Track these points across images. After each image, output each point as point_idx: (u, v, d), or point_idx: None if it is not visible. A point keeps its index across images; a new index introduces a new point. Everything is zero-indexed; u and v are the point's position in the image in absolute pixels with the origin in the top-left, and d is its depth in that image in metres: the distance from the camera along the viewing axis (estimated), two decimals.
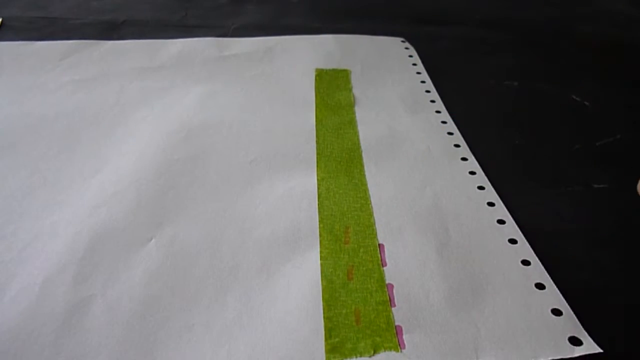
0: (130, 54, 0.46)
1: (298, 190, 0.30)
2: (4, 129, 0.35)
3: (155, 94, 0.40)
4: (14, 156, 0.33)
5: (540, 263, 0.26)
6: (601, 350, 0.21)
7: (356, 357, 0.22)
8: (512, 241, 0.27)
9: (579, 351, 0.21)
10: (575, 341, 0.22)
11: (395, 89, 0.41)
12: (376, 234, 0.27)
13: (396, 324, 0.23)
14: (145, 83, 0.41)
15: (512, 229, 0.28)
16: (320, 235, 0.27)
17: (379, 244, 0.27)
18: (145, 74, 0.43)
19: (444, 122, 0.37)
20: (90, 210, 0.28)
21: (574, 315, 0.23)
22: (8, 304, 0.23)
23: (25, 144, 0.34)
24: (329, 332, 0.22)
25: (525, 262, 0.26)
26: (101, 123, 0.36)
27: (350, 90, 0.41)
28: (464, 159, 0.33)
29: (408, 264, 0.26)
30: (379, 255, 0.26)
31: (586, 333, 0.22)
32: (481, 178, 0.32)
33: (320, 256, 0.26)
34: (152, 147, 0.34)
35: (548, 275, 0.25)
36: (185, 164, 0.32)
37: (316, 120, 0.37)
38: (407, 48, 0.48)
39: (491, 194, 0.30)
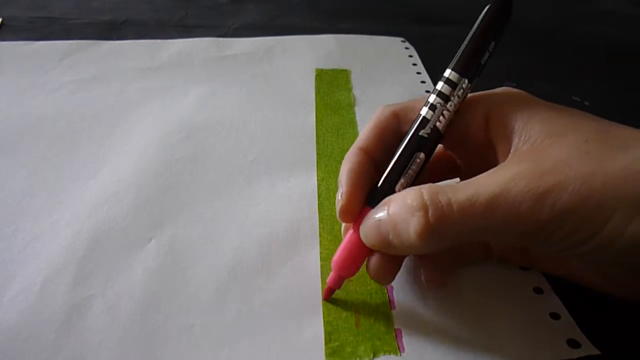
0: (130, 54, 0.46)
1: (298, 190, 0.30)
2: (4, 129, 0.35)
3: (155, 94, 0.40)
4: (14, 156, 0.33)
5: None
6: (599, 352, 0.21)
7: None
8: None
9: (577, 353, 0.21)
10: (573, 343, 0.22)
11: (395, 89, 0.41)
12: None
13: (396, 327, 0.23)
14: (145, 83, 0.41)
15: None
16: (320, 236, 0.27)
17: None
18: (145, 74, 0.43)
19: None
20: (90, 210, 0.28)
21: (572, 319, 0.23)
22: (8, 304, 0.23)
23: (25, 144, 0.34)
24: (329, 336, 0.22)
25: (524, 267, 0.26)
26: (101, 123, 0.36)
27: (350, 90, 0.41)
28: None
29: (407, 267, 0.26)
30: None
31: (584, 336, 0.22)
32: None
33: (320, 257, 0.26)
34: (152, 147, 0.34)
35: (546, 280, 0.25)
36: (185, 164, 0.32)
37: (316, 120, 0.37)
38: (407, 48, 0.48)
39: None
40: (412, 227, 0.19)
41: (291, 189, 0.30)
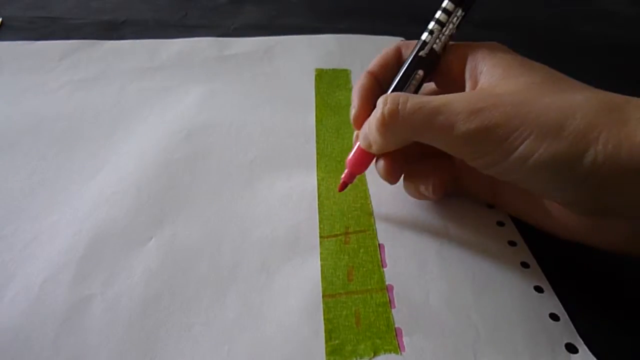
0: (130, 54, 0.46)
1: (298, 190, 0.30)
2: (3, 129, 0.35)
3: (155, 94, 0.40)
4: (14, 156, 0.33)
5: (538, 266, 0.26)
6: None
7: (356, 359, 0.22)
8: (512, 243, 0.27)
9: (574, 359, 0.21)
10: (571, 348, 0.22)
11: None
12: (376, 235, 0.27)
13: (396, 325, 0.23)
14: (145, 83, 0.41)
15: (511, 231, 0.28)
16: (320, 236, 0.27)
17: (379, 245, 0.27)
18: (145, 74, 0.43)
19: None
20: (90, 210, 0.28)
21: (571, 322, 0.23)
22: (8, 304, 0.24)
23: (25, 144, 0.34)
24: (329, 334, 0.22)
25: (525, 265, 0.26)
26: (101, 123, 0.36)
27: (350, 90, 0.41)
28: None
29: (408, 265, 0.26)
30: (379, 256, 0.26)
31: (582, 341, 0.22)
32: None
33: (320, 257, 0.26)
34: (152, 147, 0.34)
35: (546, 279, 0.25)
36: (185, 164, 0.32)
37: (316, 120, 0.37)
38: None
39: None
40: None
41: (291, 189, 0.30)
